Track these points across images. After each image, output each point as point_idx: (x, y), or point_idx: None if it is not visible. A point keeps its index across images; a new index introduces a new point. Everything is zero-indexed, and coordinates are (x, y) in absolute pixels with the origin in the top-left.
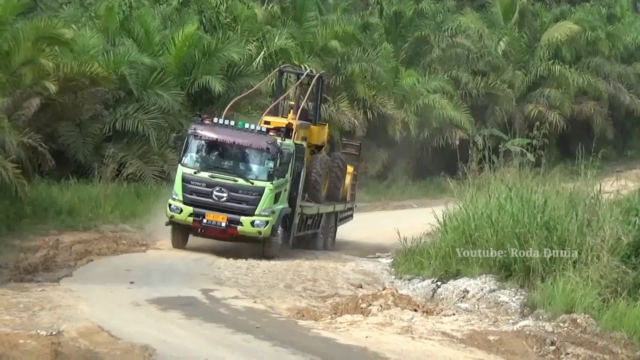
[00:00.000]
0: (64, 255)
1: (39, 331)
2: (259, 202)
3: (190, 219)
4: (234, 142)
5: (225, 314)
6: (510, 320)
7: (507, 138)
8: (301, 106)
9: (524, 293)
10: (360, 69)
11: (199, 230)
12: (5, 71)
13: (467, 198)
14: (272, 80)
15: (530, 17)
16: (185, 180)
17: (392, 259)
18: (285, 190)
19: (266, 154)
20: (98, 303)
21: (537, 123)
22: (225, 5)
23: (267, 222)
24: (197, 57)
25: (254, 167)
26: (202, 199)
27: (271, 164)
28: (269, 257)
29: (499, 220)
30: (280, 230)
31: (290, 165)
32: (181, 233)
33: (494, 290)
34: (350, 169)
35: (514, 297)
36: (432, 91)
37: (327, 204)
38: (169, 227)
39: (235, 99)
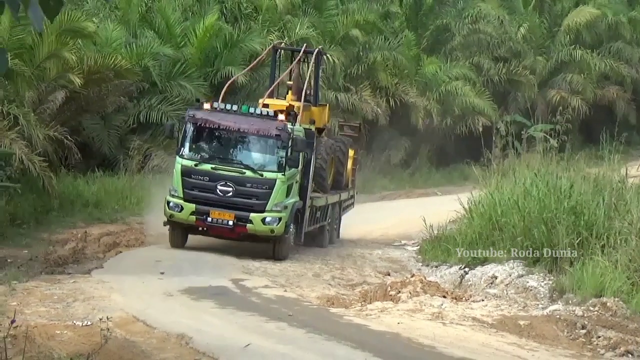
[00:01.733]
0: (92, 248)
1: (74, 322)
2: (270, 196)
3: (193, 217)
4: (239, 129)
5: (257, 303)
6: (540, 305)
7: (530, 124)
8: (304, 86)
9: (552, 278)
10: (382, 57)
11: (202, 229)
12: (30, 65)
13: (493, 184)
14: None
15: (550, 2)
16: (184, 174)
17: (418, 247)
18: (297, 182)
19: (276, 142)
20: (131, 294)
21: (560, 108)
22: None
23: (279, 219)
24: (219, 47)
25: (263, 157)
26: (205, 194)
27: (282, 153)
28: (280, 259)
29: (525, 206)
30: (292, 227)
31: (302, 153)
32: (180, 232)
33: (522, 276)
34: (350, 152)
35: (542, 282)
36: (454, 78)
37: (333, 193)
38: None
39: (231, 80)
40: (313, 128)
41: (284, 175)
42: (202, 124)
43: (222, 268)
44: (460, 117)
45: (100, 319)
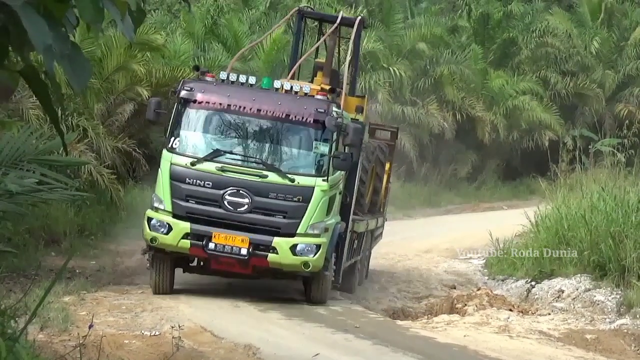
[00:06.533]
0: None
1: (143, 332)
2: (304, 212)
3: (187, 242)
4: (259, 111)
5: (324, 314)
6: (607, 319)
7: (597, 138)
8: (347, 66)
9: (619, 292)
10: (448, 71)
11: (198, 263)
12: (99, 77)
13: (559, 198)
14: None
15: (620, 17)
16: (175, 177)
17: (484, 260)
18: (340, 193)
19: (315, 131)
20: (198, 304)
21: (627, 122)
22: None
23: (317, 247)
24: (286, 61)
25: (295, 153)
26: (205, 208)
27: (324, 148)
28: (316, 302)
29: (592, 220)
30: (333, 259)
31: (358, 150)
32: (167, 267)
33: (589, 290)
34: (386, 165)
35: (609, 296)
36: (521, 92)
37: (371, 216)
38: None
39: (243, 49)
40: (361, 118)
41: (325, 181)
42: (203, 103)
43: (288, 279)
44: (526, 132)
45: (172, 327)
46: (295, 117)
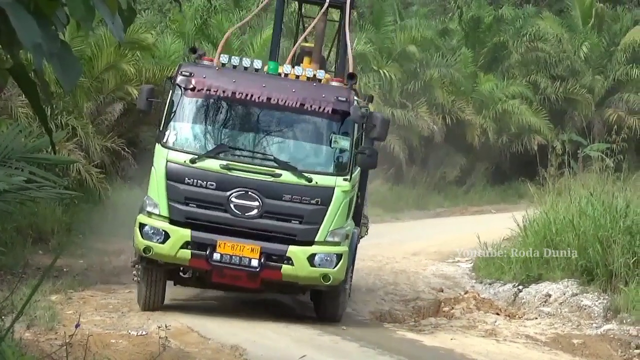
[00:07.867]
0: None
1: (129, 331)
2: (323, 216)
3: (187, 252)
4: (270, 100)
5: (312, 316)
6: (594, 324)
7: (586, 143)
8: (349, 51)
9: (606, 297)
10: (439, 74)
11: (194, 274)
12: (88, 76)
13: (548, 203)
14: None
15: (611, 22)
16: (172, 176)
17: (472, 264)
18: (358, 196)
19: (333, 123)
20: (185, 305)
21: (616, 127)
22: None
23: (338, 257)
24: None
25: (312, 149)
26: (208, 212)
27: (344, 142)
28: (331, 320)
29: (580, 225)
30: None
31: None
32: (159, 280)
33: (576, 295)
34: None
35: (596, 301)
36: (511, 96)
37: (363, 224)
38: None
39: (229, 31)
40: (372, 109)
41: (347, 180)
42: (204, 90)
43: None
44: (516, 135)
45: (159, 327)
46: (312, 106)
